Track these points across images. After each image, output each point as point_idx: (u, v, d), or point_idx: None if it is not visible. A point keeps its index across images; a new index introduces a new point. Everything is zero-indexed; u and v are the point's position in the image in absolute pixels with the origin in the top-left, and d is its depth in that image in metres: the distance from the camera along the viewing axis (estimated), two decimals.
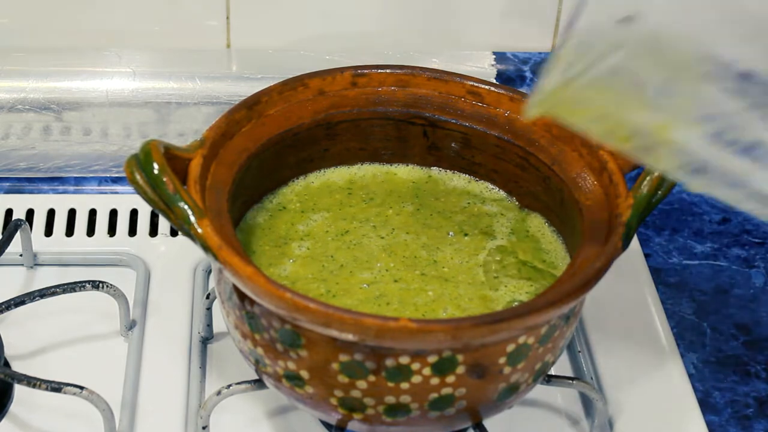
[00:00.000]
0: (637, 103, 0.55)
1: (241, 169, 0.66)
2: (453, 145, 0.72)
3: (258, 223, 0.69)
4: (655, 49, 0.53)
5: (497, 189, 0.72)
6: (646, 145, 0.56)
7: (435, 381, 0.59)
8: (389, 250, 0.67)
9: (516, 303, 0.64)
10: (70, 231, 0.83)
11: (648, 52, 0.53)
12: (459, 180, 0.72)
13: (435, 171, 0.73)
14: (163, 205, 0.60)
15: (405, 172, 0.73)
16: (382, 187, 0.72)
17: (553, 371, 0.73)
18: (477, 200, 0.71)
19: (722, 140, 0.54)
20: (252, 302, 0.60)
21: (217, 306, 0.69)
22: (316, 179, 0.72)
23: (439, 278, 0.65)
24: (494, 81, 0.87)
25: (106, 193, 0.89)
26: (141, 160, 0.60)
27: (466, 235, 0.69)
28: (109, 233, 0.83)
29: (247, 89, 0.84)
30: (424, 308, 0.63)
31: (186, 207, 0.59)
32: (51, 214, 0.84)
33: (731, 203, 0.57)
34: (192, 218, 0.59)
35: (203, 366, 0.74)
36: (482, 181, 0.72)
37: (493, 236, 0.69)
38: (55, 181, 0.89)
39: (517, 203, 0.71)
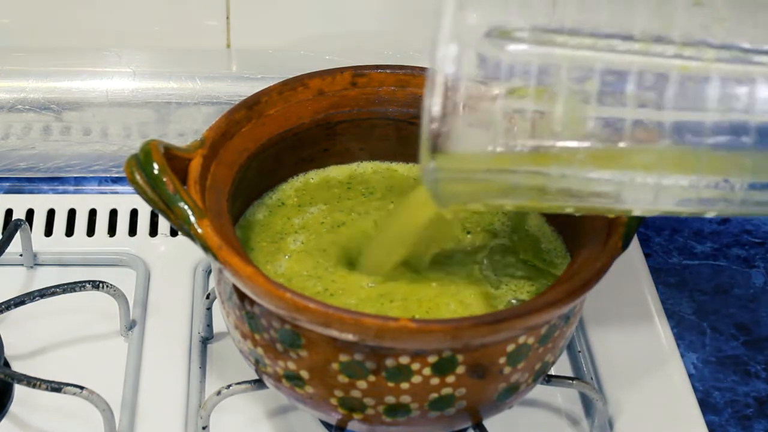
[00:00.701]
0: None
1: (241, 169, 0.66)
2: None
3: (257, 219, 0.69)
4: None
5: None
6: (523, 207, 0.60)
7: (435, 381, 0.59)
8: None
9: (516, 300, 0.64)
10: (70, 231, 0.83)
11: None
12: None
13: None
14: (163, 205, 0.60)
15: (405, 169, 0.73)
16: (383, 183, 0.72)
17: (553, 371, 0.73)
18: None
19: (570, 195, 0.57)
20: (252, 302, 0.60)
21: (217, 306, 0.69)
22: (316, 176, 0.72)
23: (441, 275, 0.65)
24: None
25: (106, 193, 0.89)
26: (141, 160, 0.60)
27: (468, 232, 0.69)
28: (109, 233, 0.83)
29: (247, 89, 0.84)
30: (428, 304, 0.63)
31: (186, 207, 0.59)
32: (51, 214, 0.84)
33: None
34: (192, 218, 0.59)
35: (203, 366, 0.74)
36: None
37: (494, 234, 0.69)
38: (55, 181, 0.89)
39: None
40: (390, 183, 0.72)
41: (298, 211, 0.69)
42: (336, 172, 0.72)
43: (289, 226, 0.68)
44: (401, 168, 0.73)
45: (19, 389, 0.71)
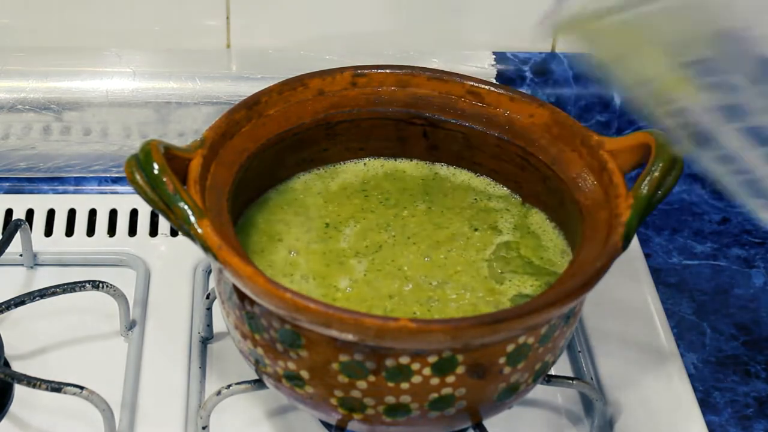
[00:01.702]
0: (656, 56, 0.53)
1: (241, 169, 0.66)
2: (453, 145, 0.72)
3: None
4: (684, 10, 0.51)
5: (501, 185, 0.72)
6: (654, 96, 0.55)
7: (435, 381, 0.59)
8: (402, 253, 0.67)
9: (521, 296, 0.64)
10: (70, 231, 0.83)
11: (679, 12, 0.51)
12: (463, 176, 0.72)
13: (439, 166, 0.73)
14: (163, 205, 0.60)
15: (412, 168, 0.73)
16: (395, 185, 0.72)
17: (553, 371, 0.73)
18: (483, 196, 0.71)
19: (729, 115, 0.53)
20: (252, 302, 0.60)
21: (217, 306, 0.69)
22: (333, 182, 0.72)
23: (449, 272, 0.66)
24: (494, 81, 0.87)
25: (106, 193, 0.89)
26: (141, 160, 0.60)
27: (476, 230, 0.69)
28: (109, 233, 0.83)
29: (247, 89, 0.84)
30: (433, 300, 0.63)
31: (186, 207, 0.59)
32: (51, 214, 0.84)
33: (729, 190, 0.56)
34: (192, 218, 0.59)
35: (203, 366, 0.74)
36: (484, 177, 0.72)
37: (499, 231, 0.69)
38: (55, 181, 0.89)
39: (520, 199, 0.71)
40: (402, 186, 0.72)
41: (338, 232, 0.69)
42: (350, 174, 0.72)
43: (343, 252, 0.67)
44: (408, 167, 0.73)
45: (19, 389, 0.71)
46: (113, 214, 0.85)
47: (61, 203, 0.85)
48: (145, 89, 0.88)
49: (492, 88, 0.70)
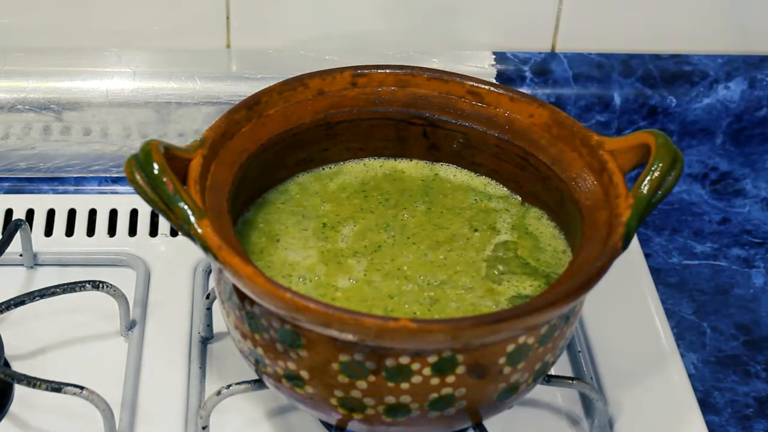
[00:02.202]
0: None
1: (241, 169, 0.66)
2: (453, 145, 0.72)
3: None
4: None
5: (500, 185, 0.72)
6: None
7: (435, 381, 0.59)
8: (401, 253, 0.67)
9: (519, 296, 0.64)
10: (70, 231, 0.83)
11: None
12: (463, 176, 0.72)
13: (439, 166, 0.73)
14: (163, 205, 0.60)
15: (411, 168, 0.73)
16: (395, 186, 0.72)
17: (553, 371, 0.73)
18: (483, 196, 0.71)
19: None
20: (252, 302, 0.60)
21: (217, 306, 0.69)
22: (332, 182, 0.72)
23: (449, 272, 0.66)
24: (494, 81, 0.87)
25: (106, 193, 0.89)
26: (141, 160, 0.60)
27: (476, 230, 0.69)
28: (109, 233, 0.83)
29: (247, 89, 0.84)
30: (432, 300, 0.63)
31: (186, 207, 0.59)
32: (51, 214, 0.84)
33: None
34: (192, 218, 0.59)
35: (203, 366, 0.74)
36: (484, 177, 0.72)
37: (499, 232, 0.69)
38: (55, 181, 0.89)
39: (519, 199, 0.71)
40: (402, 186, 0.72)
41: (334, 231, 0.69)
42: (350, 175, 0.72)
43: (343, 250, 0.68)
44: (408, 167, 0.73)
45: (19, 389, 0.71)
46: (113, 214, 0.85)
47: (61, 203, 0.85)
48: (145, 89, 0.88)
49: (492, 88, 0.70)
